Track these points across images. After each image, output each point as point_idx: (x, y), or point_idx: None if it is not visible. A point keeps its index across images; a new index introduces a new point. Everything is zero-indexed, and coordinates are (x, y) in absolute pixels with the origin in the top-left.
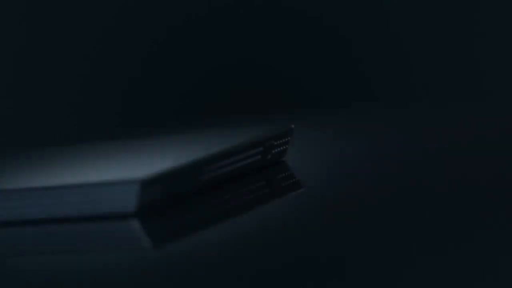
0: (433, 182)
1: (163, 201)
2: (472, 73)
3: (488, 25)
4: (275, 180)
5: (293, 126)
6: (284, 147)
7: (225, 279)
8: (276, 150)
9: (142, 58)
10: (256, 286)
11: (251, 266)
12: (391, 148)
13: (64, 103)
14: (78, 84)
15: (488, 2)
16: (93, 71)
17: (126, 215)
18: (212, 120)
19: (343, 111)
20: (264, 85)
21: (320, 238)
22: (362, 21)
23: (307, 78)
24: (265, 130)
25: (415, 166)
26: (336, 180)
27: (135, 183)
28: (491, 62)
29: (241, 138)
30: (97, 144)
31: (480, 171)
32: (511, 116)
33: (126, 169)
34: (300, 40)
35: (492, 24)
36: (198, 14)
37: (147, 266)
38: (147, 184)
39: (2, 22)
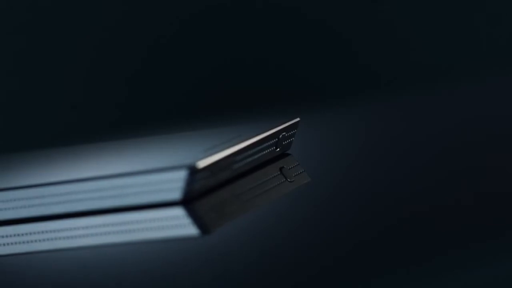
0: (436, 173)
1: (204, 189)
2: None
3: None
4: (287, 171)
5: (299, 118)
6: (292, 139)
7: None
8: (286, 142)
9: (142, 58)
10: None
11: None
12: (392, 142)
13: (64, 103)
14: (78, 84)
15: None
16: (93, 71)
17: (171, 203)
18: (213, 120)
19: (343, 109)
20: (264, 84)
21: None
22: (363, 19)
23: (307, 77)
24: (273, 122)
25: (417, 160)
26: (340, 173)
27: (183, 169)
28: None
29: (254, 131)
30: (98, 144)
31: (483, 168)
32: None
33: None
34: (300, 39)
35: (493, 19)
36: (198, 14)
37: (195, 253)
38: (194, 172)
39: (2, 22)
